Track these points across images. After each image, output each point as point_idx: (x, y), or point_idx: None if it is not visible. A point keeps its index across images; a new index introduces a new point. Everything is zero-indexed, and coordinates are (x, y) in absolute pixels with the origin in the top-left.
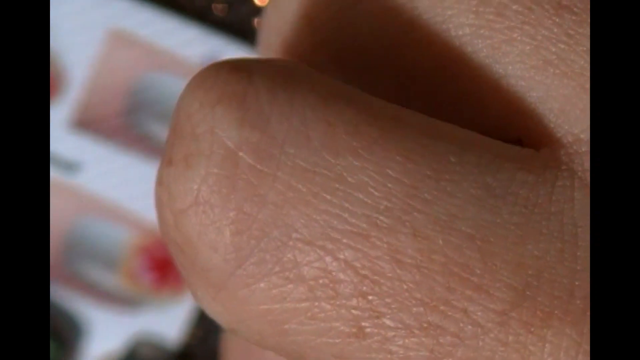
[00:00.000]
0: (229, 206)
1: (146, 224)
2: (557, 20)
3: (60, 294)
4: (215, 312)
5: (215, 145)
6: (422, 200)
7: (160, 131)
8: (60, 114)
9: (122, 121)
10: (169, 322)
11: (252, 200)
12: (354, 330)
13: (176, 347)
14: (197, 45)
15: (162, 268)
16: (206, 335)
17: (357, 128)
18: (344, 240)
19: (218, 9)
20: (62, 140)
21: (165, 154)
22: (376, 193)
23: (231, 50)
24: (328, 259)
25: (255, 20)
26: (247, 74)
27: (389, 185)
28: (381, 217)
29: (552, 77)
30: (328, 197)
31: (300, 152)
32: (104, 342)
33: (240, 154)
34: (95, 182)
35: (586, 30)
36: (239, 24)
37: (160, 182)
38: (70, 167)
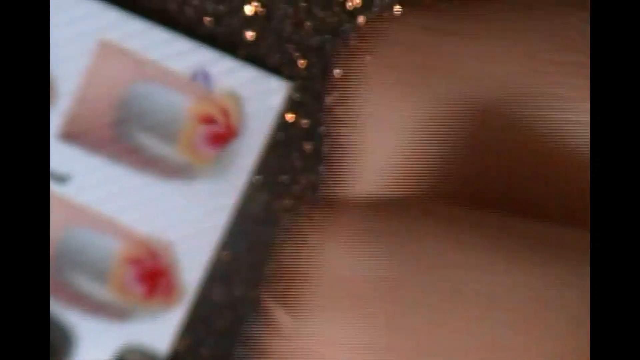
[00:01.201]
0: None
1: (136, 234)
2: None
3: (50, 304)
4: None
5: None
6: None
7: (150, 143)
8: (50, 125)
9: (112, 132)
10: (159, 333)
11: None
12: None
13: (165, 357)
14: (187, 58)
15: (152, 279)
16: (195, 345)
17: None
18: None
19: (208, 21)
20: (51, 151)
21: None
22: None
23: (221, 63)
24: None
25: (246, 33)
26: None
27: None
28: None
29: None
30: None
31: None
32: (93, 352)
33: None
34: (85, 193)
35: None
36: (228, 36)
37: None
38: (60, 178)
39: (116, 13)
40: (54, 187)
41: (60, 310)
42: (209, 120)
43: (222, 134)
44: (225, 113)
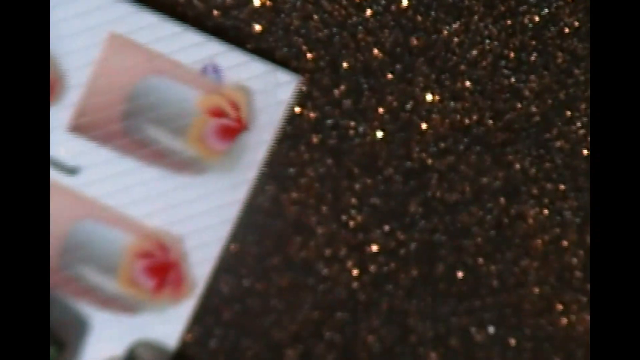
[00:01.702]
0: None
1: (145, 228)
2: None
3: (60, 298)
4: None
5: None
6: None
7: (160, 136)
8: (59, 118)
9: (121, 125)
10: (168, 326)
11: None
12: None
13: (174, 350)
14: (196, 51)
15: (162, 272)
16: (203, 337)
17: None
18: None
19: (216, 14)
20: (61, 143)
21: None
22: None
23: (230, 56)
24: None
25: (254, 26)
26: None
27: None
28: None
29: None
30: None
31: None
32: (104, 346)
33: None
34: (94, 186)
35: None
36: (236, 29)
37: None
38: (69, 170)
39: (126, 6)
40: (63, 180)
41: (70, 304)
42: (219, 113)
43: (232, 127)
44: (235, 106)
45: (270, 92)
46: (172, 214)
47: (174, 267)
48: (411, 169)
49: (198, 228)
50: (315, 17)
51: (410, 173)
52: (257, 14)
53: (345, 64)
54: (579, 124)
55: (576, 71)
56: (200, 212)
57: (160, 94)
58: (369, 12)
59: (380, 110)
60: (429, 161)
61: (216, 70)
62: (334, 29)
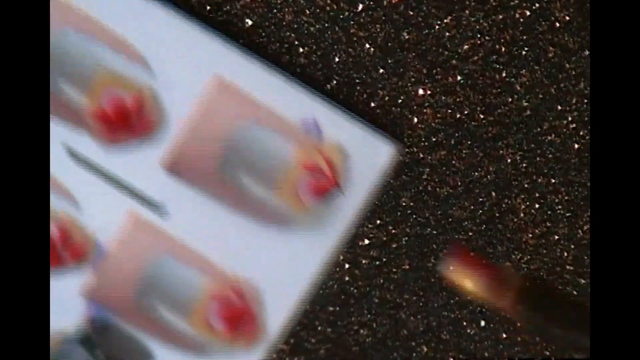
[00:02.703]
0: None
1: (224, 273)
2: None
3: (129, 328)
4: None
5: None
6: None
7: (253, 185)
8: (154, 154)
9: (215, 170)
10: None
11: None
12: None
13: None
14: (298, 106)
15: (236, 318)
16: None
17: None
18: None
19: (208, 9)
20: (152, 180)
21: None
22: None
23: (331, 116)
24: None
25: (247, 20)
26: None
27: None
28: None
29: None
30: None
31: None
32: None
33: None
34: (180, 225)
35: None
36: (229, 24)
37: None
38: (158, 207)
39: (235, 51)
40: (150, 216)
41: (139, 337)
42: (314, 169)
43: (325, 184)
44: (331, 165)
45: (367, 156)
46: (253, 263)
47: (249, 314)
48: (402, 163)
49: (277, 279)
50: (307, 11)
51: (401, 167)
52: (249, 9)
53: (336, 59)
54: (570, 118)
55: (567, 65)
56: (281, 264)
57: (259, 143)
58: (360, 6)
59: (372, 104)
60: (420, 155)
61: (317, 127)
62: (326, 24)
